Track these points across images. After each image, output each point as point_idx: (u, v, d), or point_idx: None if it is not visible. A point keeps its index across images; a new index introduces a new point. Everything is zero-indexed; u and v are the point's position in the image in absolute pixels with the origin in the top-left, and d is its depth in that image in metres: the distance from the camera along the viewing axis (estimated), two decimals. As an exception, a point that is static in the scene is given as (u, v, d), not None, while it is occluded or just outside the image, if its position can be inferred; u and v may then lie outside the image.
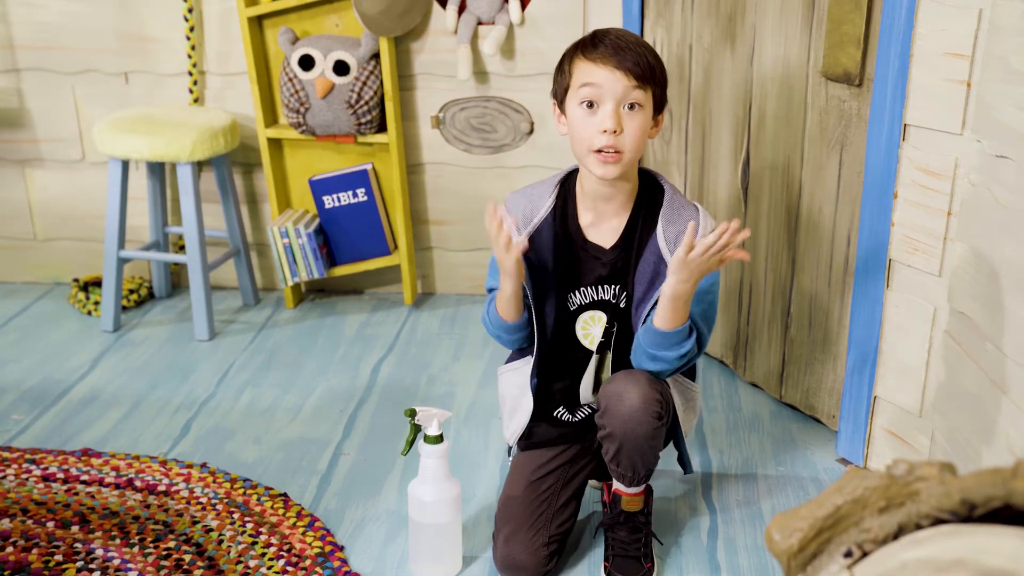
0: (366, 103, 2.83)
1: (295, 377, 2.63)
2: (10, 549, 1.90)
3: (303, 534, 1.95)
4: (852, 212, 2.11)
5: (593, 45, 1.72)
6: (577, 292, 1.85)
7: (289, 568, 1.85)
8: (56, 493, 2.09)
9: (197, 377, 2.63)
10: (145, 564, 1.86)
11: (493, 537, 1.86)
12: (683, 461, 1.97)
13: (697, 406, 1.95)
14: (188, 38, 2.92)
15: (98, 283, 3.10)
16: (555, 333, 1.87)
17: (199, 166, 2.98)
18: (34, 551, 1.90)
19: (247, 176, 3.09)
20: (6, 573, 1.84)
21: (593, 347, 1.88)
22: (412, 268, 3.04)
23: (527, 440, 1.94)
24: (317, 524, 1.99)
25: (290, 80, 2.82)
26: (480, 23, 2.84)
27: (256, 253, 3.16)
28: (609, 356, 1.88)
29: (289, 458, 2.25)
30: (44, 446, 2.29)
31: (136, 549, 1.91)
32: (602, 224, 1.83)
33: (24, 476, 2.14)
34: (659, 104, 1.77)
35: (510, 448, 2.01)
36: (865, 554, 0.89)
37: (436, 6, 2.85)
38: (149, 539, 1.94)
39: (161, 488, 2.11)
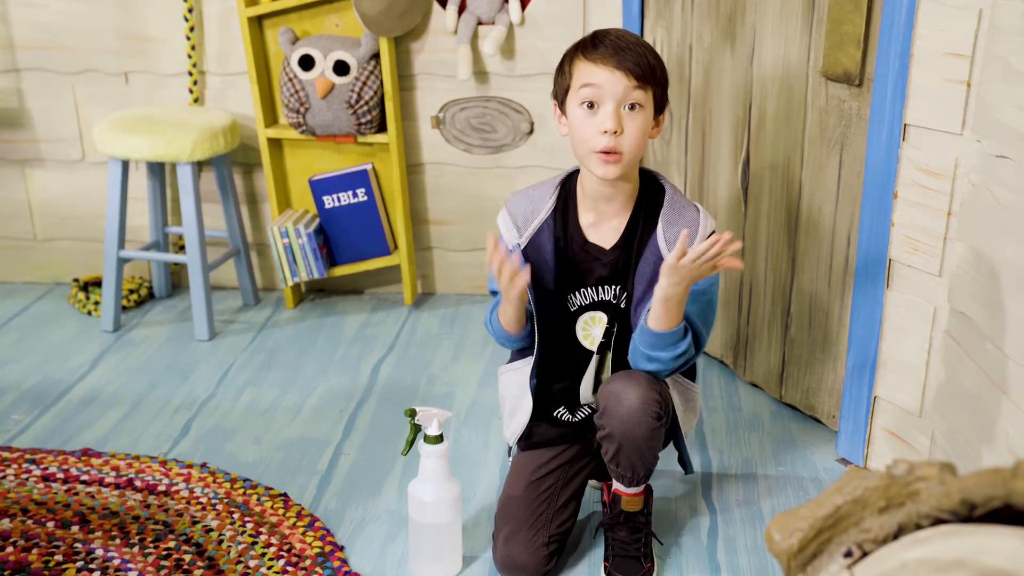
0: (366, 103, 2.83)
1: (295, 377, 2.63)
2: (10, 549, 1.90)
3: (303, 534, 1.95)
4: (852, 212, 2.11)
5: (593, 45, 1.72)
6: (577, 293, 1.85)
7: (289, 568, 1.85)
8: (56, 493, 2.09)
9: (197, 377, 2.63)
10: (145, 564, 1.86)
11: (493, 537, 1.86)
12: (683, 461, 1.97)
13: (697, 406, 1.95)
14: (188, 38, 2.92)
15: (98, 283, 3.10)
16: (555, 334, 1.87)
17: (199, 166, 2.98)
18: (34, 551, 1.90)
19: (247, 176, 3.09)
20: (6, 573, 1.84)
21: (593, 347, 1.88)
22: (412, 268, 3.04)
23: (527, 440, 1.94)
24: (317, 524, 1.99)
25: (290, 80, 2.82)
26: (480, 23, 2.84)
27: (256, 253, 3.16)
28: (609, 356, 1.88)
29: (289, 458, 2.25)
30: (44, 446, 2.29)
31: (136, 549, 1.91)
32: (603, 224, 1.83)
33: (24, 476, 2.14)
34: (660, 104, 1.77)
35: (510, 448, 2.01)
36: (865, 554, 0.89)
37: (436, 6, 2.85)
38: (149, 539, 1.94)
39: (161, 488, 2.11)
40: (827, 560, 0.91)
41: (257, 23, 2.87)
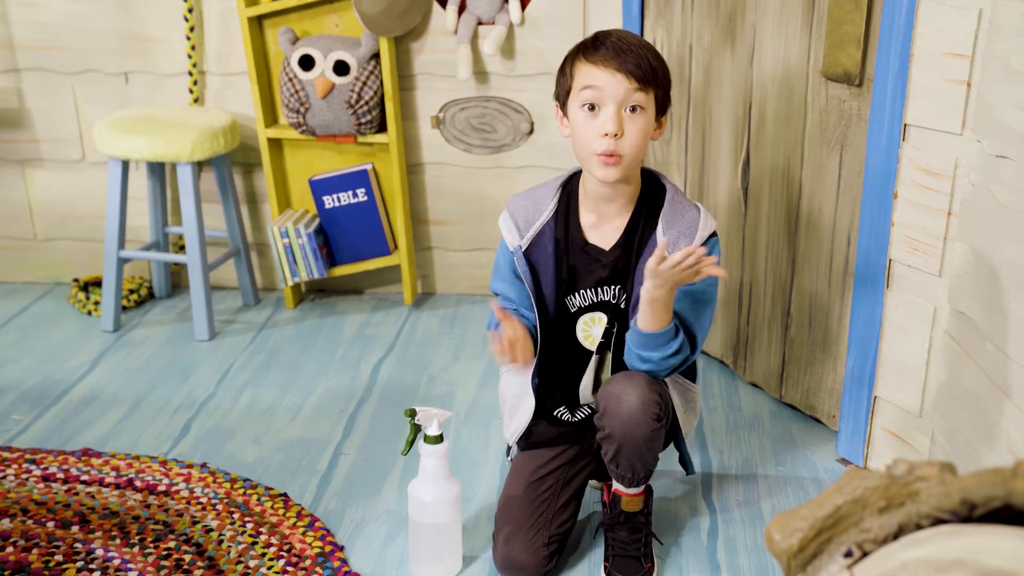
0: (366, 103, 2.83)
1: (295, 377, 2.63)
2: (10, 549, 1.90)
3: (303, 534, 1.95)
4: (852, 212, 2.11)
5: (594, 47, 1.72)
6: (577, 294, 1.85)
7: (289, 568, 1.85)
8: (56, 493, 2.09)
9: (197, 377, 2.63)
10: (145, 564, 1.86)
11: (493, 537, 1.86)
12: (684, 462, 1.97)
13: (697, 407, 1.95)
14: (188, 38, 2.92)
15: (98, 283, 3.10)
16: (555, 334, 1.87)
17: (199, 166, 2.98)
18: (34, 551, 1.90)
19: (247, 176, 3.09)
20: (6, 573, 1.84)
21: (593, 347, 1.88)
22: (412, 268, 3.04)
23: (527, 440, 1.94)
24: (317, 524, 1.99)
25: (290, 80, 2.82)
26: (480, 23, 2.84)
27: (256, 253, 3.16)
28: (609, 356, 1.88)
29: (289, 458, 2.25)
30: (44, 446, 2.29)
31: (136, 549, 1.91)
32: (604, 225, 1.83)
33: (24, 476, 2.14)
34: (662, 106, 1.76)
35: (509, 448, 2.01)
36: (865, 554, 0.89)
37: (436, 6, 2.85)
38: (149, 539, 1.94)
39: (161, 488, 2.11)
40: (827, 560, 0.91)
41: (257, 23, 2.87)
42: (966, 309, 1.81)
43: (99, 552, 1.90)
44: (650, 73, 1.71)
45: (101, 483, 2.13)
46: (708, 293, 1.79)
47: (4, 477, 2.14)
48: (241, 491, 2.09)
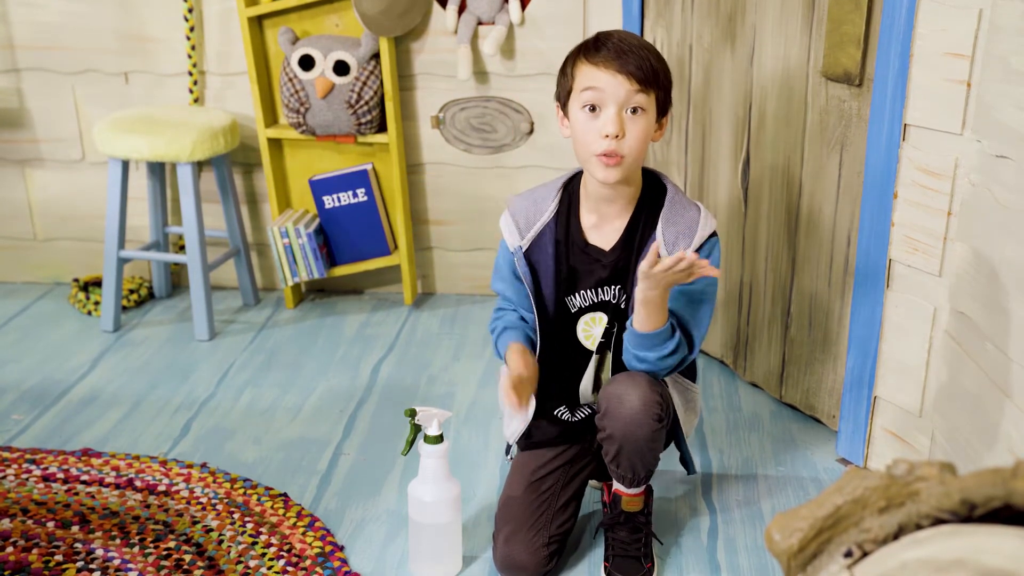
0: (366, 103, 2.83)
1: (295, 377, 2.63)
2: (10, 549, 1.90)
3: (303, 534, 1.95)
4: (852, 212, 2.11)
5: (596, 48, 1.72)
6: (577, 295, 1.85)
7: (289, 568, 1.85)
8: (56, 493, 2.09)
9: (197, 377, 2.63)
10: (145, 564, 1.86)
11: (493, 537, 1.86)
12: (686, 461, 1.97)
13: (697, 407, 1.95)
14: (188, 38, 2.92)
15: (98, 283, 3.10)
16: (556, 334, 1.88)
17: (199, 166, 2.98)
18: (34, 551, 1.90)
19: (247, 176, 3.09)
20: (6, 573, 1.84)
21: (593, 347, 1.88)
22: (412, 268, 3.04)
23: (527, 439, 1.94)
24: (317, 524, 1.99)
25: (290, 80, 2.82)
26: (480, 23, 2.84)
27: (256, 253, 3.16)
28: (609, 356, 1.88)
29: (289, 458, 2.25)
30: (44, 446, 2.29)
31: (136, 549, 1.91)
32: (605, 226, 1.83)
33: (24, 476, 2.14)
34: (662, 108, 1.76)
35: (508, 447, 2.01)
36: (865, 554, 0.89)
37: (436, 6, 2.85)
38: (149, 539, 1.94)
39: (161, 488, 2.11)
40: (827, 560, 0.91)
41: (257, 23, 2.87)
42: (966, 309, 1.81)
43: (99, 552, 1.90)
44: (651, 75, 1.71)
45: (101, 483, 2.13)
46: (706, 292, 1.79)
47: (4, 477, 2.14)
48: (241, 491, 2.09)
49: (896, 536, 0.88)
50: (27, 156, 3.11)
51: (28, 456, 2.22)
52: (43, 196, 3.15)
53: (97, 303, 2.99)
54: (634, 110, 1.71)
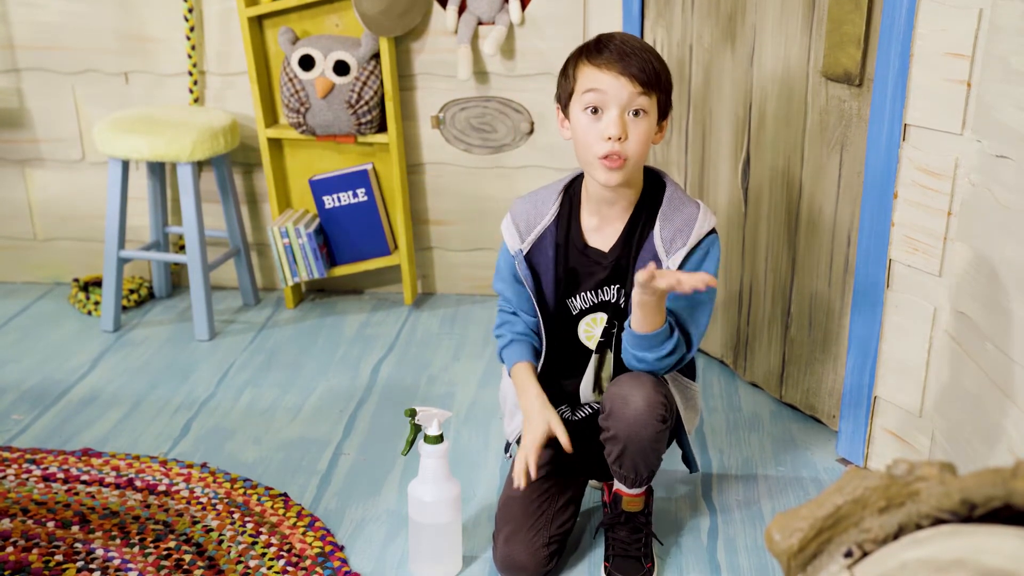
0: (366, 103, 2.83)
1: (295, 377, 2.63)
2: (10, 549, 1.90)
3: (303, 534, 1.95)
4: (852, 212, 2.11)
5: (598, 50, 1.72)
6: (578, 297, 1.85)
7: (289, 568, 1.85)
8: (56, 493, 2.09)
9: (197, 377, 2.63)
10: (145, 564, 1.86)
11: (493, 537, 1.86)
12: (688, 460, 1.97)
13: (698, 405, 1.95)
14: (188, 38, 2.92)
15: (98, 283, 3.10)
16: (557, 334, 1.88)
17: (199, 166, 2.98)
18: (34, 551, 1.90)
19: (247, 176, 3.09)
20: (6, 573, 1.84)
21: (594, 347, 1.88)
22: (412, 268, 3.04)
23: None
24: (317, 524, 1.99)
25: (290, 80, 2.82)
26: (480, 23, 2.84)
27: (256, 253, 3.16)
28: (610, 355, 1.88)
29: (289, 458, 2.25)
30: (44, 446, 2.29)
31: (136, 549, 1.91)
32: (605, 228, 1.83)
33: (24, 476, 2.14)
34: (664, 110, 1.76)
35: (508, 445, 2.01)
36: (865, 554, 0.89)
37: (436, 6, 2.85)
38: (149, 539, 1.94)
39: (161, 488, 2.11)
40: (827, 560, 0.91)
41: (257, 23, 2.87)
42: (966, 309, 1.81)
43: (99, 552, 1.90)
44: (653, 77, 1.70)
45: (101, 483, 2.13)
46: (705, 293, 1.79)
47: (4, 477, 2.14)
48: (241, 491, 2.09)
49: (896, 536, 0.88)
50: (27, 156, 3.11)
51: (28, 456, 2.22)
52: (43, 196, 3.15)
53: (97, 303, 2.99)
54: (636, 112, 1.70)
